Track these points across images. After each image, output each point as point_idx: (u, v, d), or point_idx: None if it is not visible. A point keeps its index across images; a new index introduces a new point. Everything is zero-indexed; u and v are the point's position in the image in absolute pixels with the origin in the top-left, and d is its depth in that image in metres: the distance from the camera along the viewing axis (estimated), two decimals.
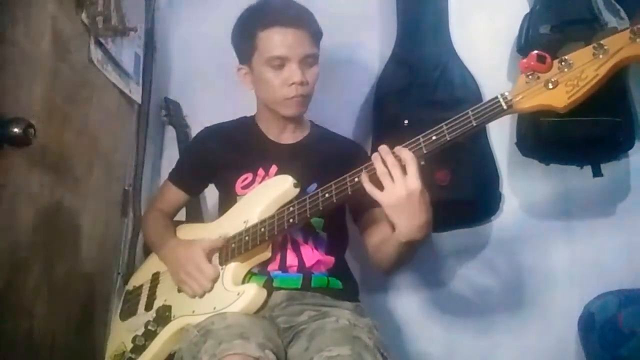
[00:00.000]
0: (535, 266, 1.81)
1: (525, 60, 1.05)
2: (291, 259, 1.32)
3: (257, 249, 1.27)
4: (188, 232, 1.45)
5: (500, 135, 1.80)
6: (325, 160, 1.38)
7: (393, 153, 1.10)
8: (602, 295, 1.69)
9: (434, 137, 1.08)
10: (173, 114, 1.91)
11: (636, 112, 1.72)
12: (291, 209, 1.23)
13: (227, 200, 1.41)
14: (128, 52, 1.66)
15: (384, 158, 1.09)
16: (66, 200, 1.37)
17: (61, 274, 1.37)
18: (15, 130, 1.03)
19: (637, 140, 1.71)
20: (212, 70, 1.88)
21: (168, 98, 1.94)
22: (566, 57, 1.02)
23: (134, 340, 1.32)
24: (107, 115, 1.59)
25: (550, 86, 1.02)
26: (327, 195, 1.17)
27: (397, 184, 1.07)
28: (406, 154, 1.08)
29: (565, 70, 1.02)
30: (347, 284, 1.37)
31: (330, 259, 1.36)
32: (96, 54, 1.46)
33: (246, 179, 1.40)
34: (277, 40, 1.32)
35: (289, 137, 1.46)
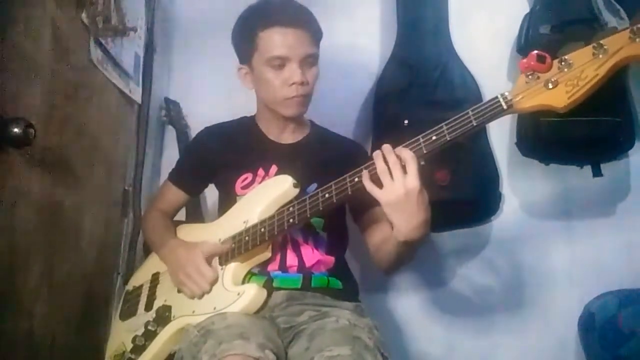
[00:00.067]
0: (535, 266, 1.81)
1: (525, 60, 1.05)
2: (291, 259, 1.32)
3: (257, 249, 1.27)
4: (188, 232, 1.45)
5: (500, 135, 1.80)
6: (325, 160, 1.38)
7: (394, 152, 1.10)
8: (602, 295, 1.70)
9: (434, 137, 1.09)
10: (173, 114, 1.91)
11: (636, 112, 1.72)
12: (291, 209, 1.23)
13: (227, 201, 1.41)
14: (128, 52, 1.66)
15: (386, 156, 1.09)
16: (66, 200, 1.37)
17: (61, 274, 1.37)
18: (15, 130, 1.03)
19: (637, 140, 1.71)
20: (212, 71, 1.88)
21: (168, 98, 1.95)
22: (566, 57, 1.02)
23: (133, 340, 1.31)
24: (107, 115, 1.59)
25: (550, 86, 1.02)
26: (327, 195, 1.17)
27: (396, 182, 1.07)
28: (406, 154, 1.08)
29: (565, 70, 1.02)
30: (347, 284, 1.37)
31: (330, 259, 1.36)
32: (96, 54, 1.46)
33: (246, 179, 1.40)
34: (277, 40, 1.32)
35: (289, 137, 1.46)
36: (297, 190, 1.28)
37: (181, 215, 1.62)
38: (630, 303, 1.62)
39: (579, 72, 1.01)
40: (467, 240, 1.82)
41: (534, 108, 1.04)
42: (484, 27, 1.87)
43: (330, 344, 1.11)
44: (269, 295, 1.27)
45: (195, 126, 1.82)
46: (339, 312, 1.25)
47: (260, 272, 1.31)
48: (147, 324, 1.32)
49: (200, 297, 1.27)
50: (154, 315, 1.34)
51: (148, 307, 1.39)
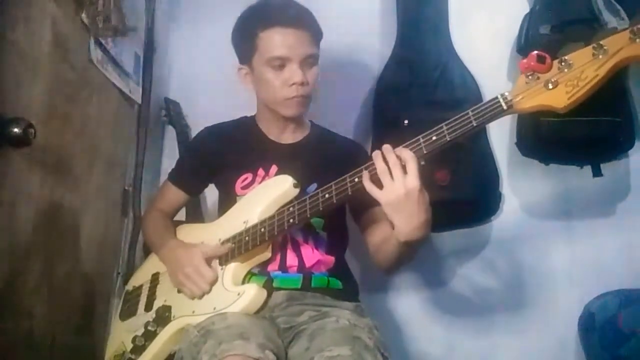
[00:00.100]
0: (535, 266, 1.81)
1: (525, 61, 1.05)
2: (291, 259, 1.32)
3: (257, 249, 1.27)
4: (188, 232, 1.45)
5: (500, 135, 1.80)
6: (325, 160, 1.38)
7: (394, 153, 1.10)
8: (602, 295, 1.69)
9: (434, 138, 1.08)
10: (173, 114, 1.91)
11: (636, 112, 1.72)
12: (291, 209, 1.23)
13: (227, 201, 1.41)
14: (128, 52, 1.66)
15: (386, 156, 1.09)
16: (66, 200, 1.37)
17: (61, 274, 1.37)
18: (15, 130, 1.03)
19: (637, 140, 1.71)
20: (212, 70, 1.88)
21: (168, 98, 1.95)
22: (566, 58, 1.02)
23: (133, 340, 1.31)
24: (107, 115, 1.59)
25: (550, 86, 1.02)
26: (327, 195, 1.17)
27: (396, 182, 1.07)
28: (406, 154, 1.08)
29: (565, 70, 1.02)
30: (347, 284, 1.37)
31: (331, 259, 1.36)
32: (96, 54, 1.46)
33: (246, 179, 1.40)
34: (277, 41, 1.32)
35: (289, 137, 1.46)
36: (297, 191, 1.28)
37: (181, 215, 1.62)
38: (630, 303, 1.62)
39: (579, 73, 1.01)
40: (467, 240, 1.82)
41: (534, 108, 1.04)
42: (484, 27, 1.87)
43: (330, 344, 1.11)
44: (269, 295, 1.27)
45: (195, 126, 1.82)
46: (339, 312, 1.25)
47: (260, 272, 1.31)
48: (147, 324, 1.32)
49: (200, 297, 1.27)
50: (154, 315, 1.34)
51: (148, 307, 1.39)
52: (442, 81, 1.75)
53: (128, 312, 1.44)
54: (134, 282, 1.51)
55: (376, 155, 1.11)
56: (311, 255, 1.33)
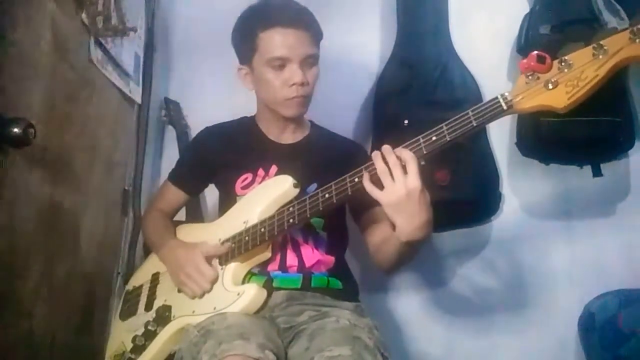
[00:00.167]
0: (535, 266, 1.81)
1: (525, 61, 1.05)
2: (291, 259, 1.32)
3: (257, 249, 1.27)
4: (188, 232, 1.45)
5: (500, 135, 1.80)
6: (325, 160, 1.38)
7: (394, 153, 1.10)
8: (602, 295, 1.70)
9: (434, 138, 1.09)
10: (173, 114, 1.91)
11: (636, 112, 1.72)
12: (291, 209, 1.23)
13: (227, 201, 1.41)
14: (128, 52, 1.66)
15: (385, 157, 1.09)
16: (66, 200, 1.37)
17: (61, 274, 1.37)
18: (15, 130, 1.03)
19: (637, 140, 1.71)
20: (212, 70, 1.88)
21: (168, 98, 1.94)
22: (566, 58, 1.02)
23: (133, 340, 1.32)
24: (107, 115, 1.59)
25: (550, 86, 1.02)
26: (327, 195, 1.17)
27: (397, 183, 1.07)
28: (406, 154, 1.08)
29: (565, 70, 1.02)
30: (347, 284, 1.37)
31: (330, 259, 1.36)
32: (96, 54, 1.46)
33: (246, 179, 1.40)
34: (277, 41, 1.32)
35: (289, 137, 1.46)
36: (297, 191, 1.28)
37: (181, 215, 1.62)
38: (630, 303, 1.62)
39: (579, 73, 1.01)
40: (467, 240, 1.82)
41: (534, 108, 1.05)
42: (484, 27, 1.86)
43: (330, 344, 1.11)
44: (269, 295, 1.27)
45: (195, 126, 1.82)
46: (339, 312, 1.25)
47: (260, 272, 1.31)
48: (147, 323, 1.32)
49: (201, 296, 1.27)
50: (154, 315, 1.34)
51: (148, 307, 1.39)
52: (442, 81, 1.74)
53: (128, 311, 1.44)
54: (134, 282, 1.51)
55: (376, 155, 1.11)
56: (311, 255, 1.33)
